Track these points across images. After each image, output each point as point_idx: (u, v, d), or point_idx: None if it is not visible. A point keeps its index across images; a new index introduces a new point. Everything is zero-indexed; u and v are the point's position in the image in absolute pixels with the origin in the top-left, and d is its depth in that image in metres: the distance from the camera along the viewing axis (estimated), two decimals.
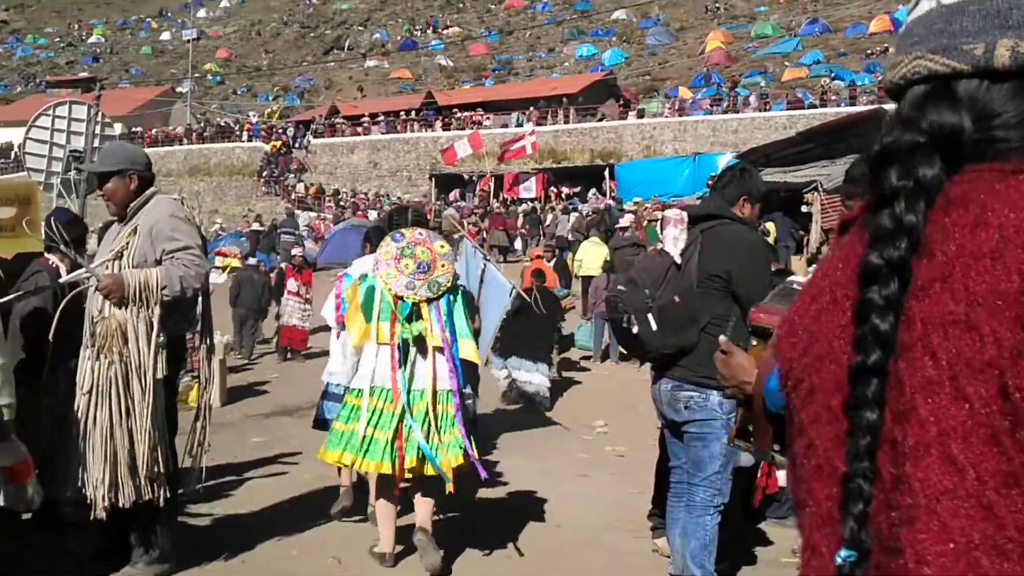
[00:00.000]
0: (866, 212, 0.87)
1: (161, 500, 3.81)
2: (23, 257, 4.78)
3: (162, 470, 3.78)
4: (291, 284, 12.85)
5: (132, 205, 3.92)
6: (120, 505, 3.70)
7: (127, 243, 3.83)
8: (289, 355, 12.39)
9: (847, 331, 0.82)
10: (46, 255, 4.69)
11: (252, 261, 15.40)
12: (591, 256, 13.55)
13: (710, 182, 17.01)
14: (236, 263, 18.66)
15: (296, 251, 14.15)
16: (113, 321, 3.69)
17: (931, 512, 0.74)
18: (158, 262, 3.80)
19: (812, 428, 0.85)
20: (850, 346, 0.81)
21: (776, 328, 0.95)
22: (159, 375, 3.75)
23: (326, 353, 6.33)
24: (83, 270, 3.90)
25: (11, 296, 4.19)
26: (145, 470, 3.70)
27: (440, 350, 4.13)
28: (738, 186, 3.86)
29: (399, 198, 29.33)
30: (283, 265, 15.11)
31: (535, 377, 9.04)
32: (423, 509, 4.24)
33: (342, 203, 32.07)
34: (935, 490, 0.74)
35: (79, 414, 3.74)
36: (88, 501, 3.74)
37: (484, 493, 5.56)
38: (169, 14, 74.08)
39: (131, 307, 3.68)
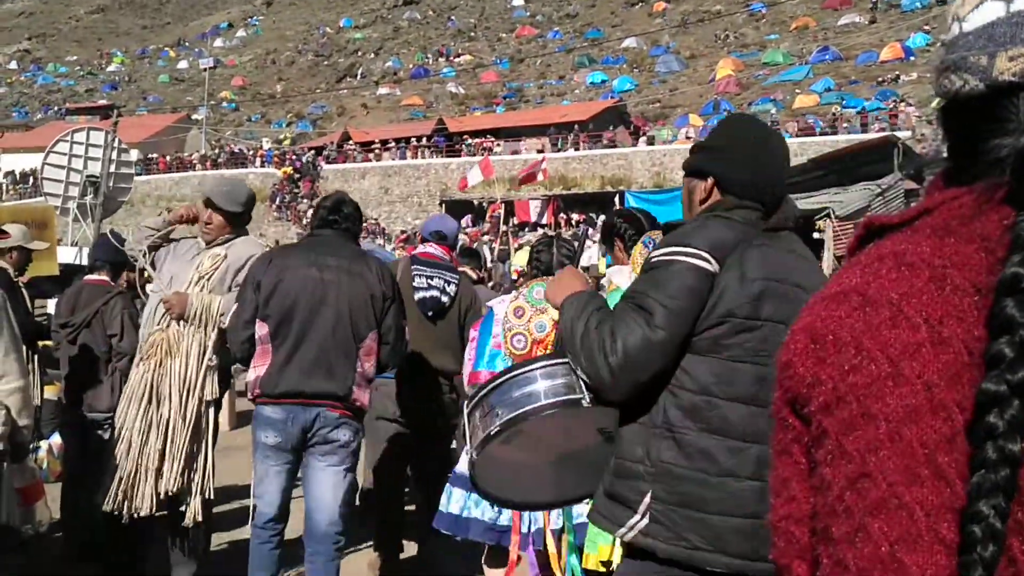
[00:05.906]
0: (937, 215, 0.80)
1: (190, 520, 3.84)
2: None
3: (199, 489, 3.83)
4: None
5: (225, 236, 4.07)
6: (131, 514, 3.74)
7: (212, 268, 3.93)
8: None
9: (923, 351, 0.74)
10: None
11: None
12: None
13: None
14: None
15: None
16: (163, 335, 3.81)
17: None
18: (230, 290, 3.93)
19: (867, 457, 0.75)
20: (925, 367, 0.73)
21: (787, 337, 0.84)
22: (208, 396, 3.84)
23: None
24: (158, 284, 4.01)
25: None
26: (166, 484, 3.73)
27: None
28: None
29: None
30: None
31: None
32: None
33: None
34: None
35: (116, 419, 3.87)
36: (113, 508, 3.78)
37: None
38: (187, 43, 75.32)
39: (188, 326, 3.81)
